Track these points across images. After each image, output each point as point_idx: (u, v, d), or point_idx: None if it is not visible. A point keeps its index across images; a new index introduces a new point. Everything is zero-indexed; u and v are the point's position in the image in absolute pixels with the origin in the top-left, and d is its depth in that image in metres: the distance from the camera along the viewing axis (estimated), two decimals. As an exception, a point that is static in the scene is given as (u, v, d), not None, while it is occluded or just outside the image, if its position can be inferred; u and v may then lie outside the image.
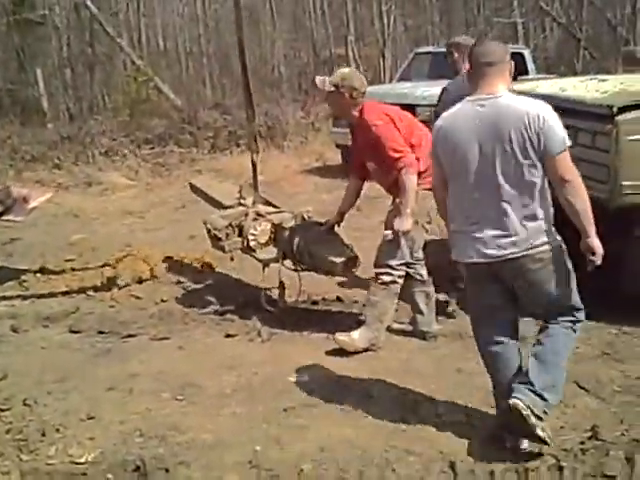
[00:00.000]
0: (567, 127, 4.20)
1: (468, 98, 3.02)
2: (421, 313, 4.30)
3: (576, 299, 3.04)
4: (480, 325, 3.17)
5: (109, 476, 2.91)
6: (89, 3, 15.70)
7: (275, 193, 9.25)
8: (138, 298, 5.24)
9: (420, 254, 4.27)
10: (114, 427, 3.32)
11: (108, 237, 7.15)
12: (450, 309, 4.73)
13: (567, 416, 3.23)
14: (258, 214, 4.78)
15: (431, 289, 4.37)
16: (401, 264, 4.10)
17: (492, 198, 2.90)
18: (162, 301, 5.16)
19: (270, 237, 4.72)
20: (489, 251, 2.91)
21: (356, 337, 4.06)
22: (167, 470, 2.93)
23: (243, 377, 3.82)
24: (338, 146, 10.84)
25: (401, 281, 4.14)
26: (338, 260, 4.32)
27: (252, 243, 4.69)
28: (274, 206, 5.03)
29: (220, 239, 4.76)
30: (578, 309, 3.04)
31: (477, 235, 2.93)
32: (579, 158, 4.42)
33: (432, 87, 9.60)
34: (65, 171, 10.89)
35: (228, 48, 19.58)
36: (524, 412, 2.80)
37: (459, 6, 23.61)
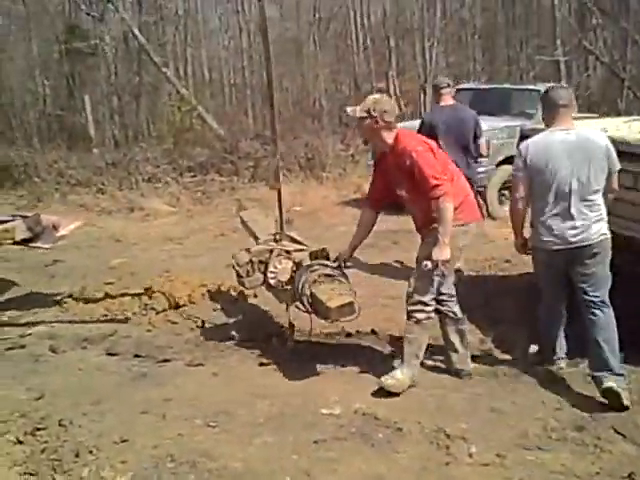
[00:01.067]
0: (609, 167, 4.19)
1: (552, 129, 4.06)
2: (456, 351, 4.27)
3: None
4: (550, 302, 4.26)
5: (140, 500, 2.94)
6: (138, 34, 16.09)
7: (312, 224, 9.36)
8: (174, 323, 5.30)
9: (452, 290, 4.24)
10: (147, 451, 3.34)
11: (148, 262, 7.26)
12: (486, 347, 4.71)
13: (603, 461, 3.16)
14: (284, 251, 4.67)
15: (465, 326, 4.33)
16: (432, 299, 4.07)
17: (578, 200, 3.95)
18: (198, 327, 5.21)
19: (292, 276, 4.49)
20: (573, 239, 3.95)
21: (401, 377, 4.00)
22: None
23: (275, 406, 3.82)
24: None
25: (434, 315, 4.11)
26: (332, 305, 4.01)
27: (272, 281, 4.54)
28: (300, 243, 4.90)
29: (241, 276, 4.69)
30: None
31: (566, 229, 3.96)
32: (621, 199, 4.40)
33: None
34: (109, 196, 11.12)
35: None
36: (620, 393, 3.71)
37: (501, 43, 23.61)
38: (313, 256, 4.52)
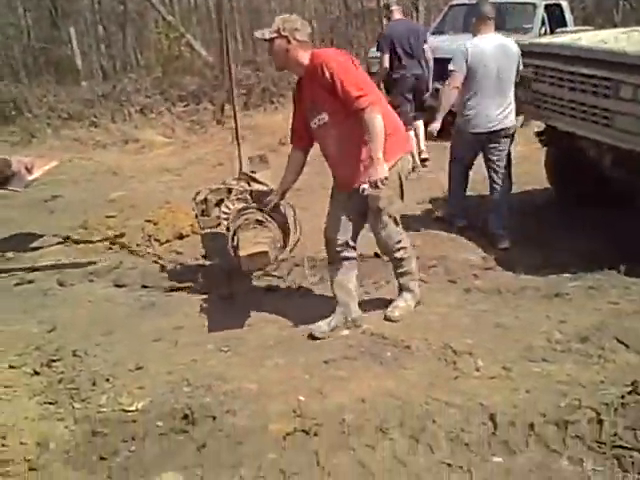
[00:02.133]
0: (608, 80, 4.17)
1: (480, 36, 5.32)
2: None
3: None
4: (458, 162, 5.64)
5: (159, 423, 3.01)
6: (120, -41, 15.57)
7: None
8: (179, 253, 5.33)
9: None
10: (162, 377, 3.42)
11: (147, 194, 7.23)
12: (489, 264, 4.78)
13: (607, 371, 3.23)
14: (243, 192, 4.37)
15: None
16: (400, 231, 3.95)
17: (502, 90, 5.18)
18: (202, 257, 5.24)
19: None
20: (496, 123, 5.19)
21: (405, 304, 4.04)
22: (214, 418, 3.02)
23: (285, 330, 3.89)
24: (372, 74, 10.65)
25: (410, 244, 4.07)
26: (243, 253, 3.74)
27: (224, 222, 4.28)
28: (260, 183, 4.52)
29: (196, 215, 4.51)
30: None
31: (489, 113, 5.18)
32: (620, 112, 4.36)
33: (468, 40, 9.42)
34: (102, 129, 10.93)
35: (259, 3, 19.37)
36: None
37: (494, -44, 22.94)
38: (255, 196, 4.27)
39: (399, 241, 3.93)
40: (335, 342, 3.71)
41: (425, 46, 7.81)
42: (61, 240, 5.75)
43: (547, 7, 10.73)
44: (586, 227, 5.16)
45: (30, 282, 4.90)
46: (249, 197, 4.37)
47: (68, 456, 2.86)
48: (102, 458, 2.82)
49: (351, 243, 3.96)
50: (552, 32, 10.07)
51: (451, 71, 5.31)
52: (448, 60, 8.87)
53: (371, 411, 3.00)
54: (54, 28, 18.24)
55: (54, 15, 18.33)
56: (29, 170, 5.20)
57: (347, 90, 3.51)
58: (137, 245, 5.46)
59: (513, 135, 5.32)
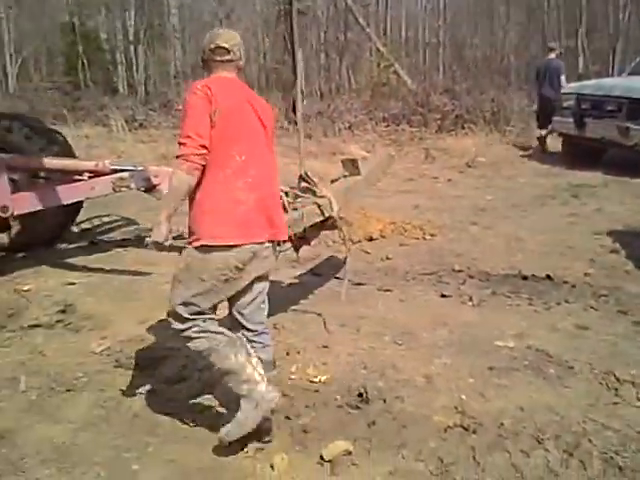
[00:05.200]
0: None
1: None
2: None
3: None
4: None
5: (337, 397, 3.10)
6: (346, -4, 16.15)
7: (494, 174, 9.03)
8: (368, 253, 5.44)
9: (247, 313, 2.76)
10: (343, 358, 3.51)
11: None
12: None
13: None
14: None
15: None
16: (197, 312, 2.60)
17: None
18: (387, 258, 5.30)
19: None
20: None
21: (240, 420, 2.64)
22: (384, 401, 3.05)
23: (454, 334, 3.82)
24: (560, 134, 10.23)
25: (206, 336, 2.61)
26: None
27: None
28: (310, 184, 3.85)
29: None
30: None
31: None
32: None
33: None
34: (315, 141, 11.40)
35: (463, 39, 19.15)
36: None
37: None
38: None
39: (180, 330, 2.61)
40: (501, 352, 3.58)
41: (562, 77, 10.38)
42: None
43: None
44: None
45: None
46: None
47: (261, 411, 3.03)
48: (287, 417, 2.95)
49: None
50: None
51: None
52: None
53: (529, 420, 2.87)
54: (285, 52, 19.34)
55: (287, 41, 19.43)
56: None
57: (180, 131, 2.57)
58: (333, 242, 5.64)
59: None
